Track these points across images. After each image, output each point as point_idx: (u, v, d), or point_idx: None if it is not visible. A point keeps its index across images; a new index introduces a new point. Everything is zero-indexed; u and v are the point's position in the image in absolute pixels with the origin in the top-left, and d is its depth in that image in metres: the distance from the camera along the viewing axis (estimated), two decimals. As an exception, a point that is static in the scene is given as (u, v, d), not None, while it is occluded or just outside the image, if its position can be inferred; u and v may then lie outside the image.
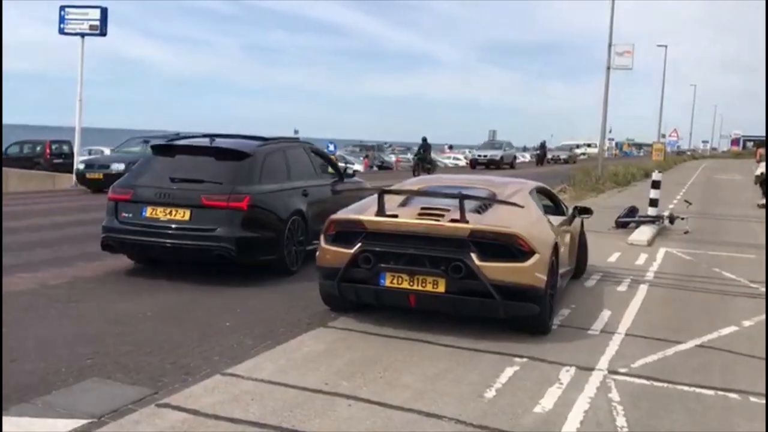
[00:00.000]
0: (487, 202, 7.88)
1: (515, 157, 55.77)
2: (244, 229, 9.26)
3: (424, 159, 40.89)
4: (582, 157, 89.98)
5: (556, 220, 8.85)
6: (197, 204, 9.21)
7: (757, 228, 18.42)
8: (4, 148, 33.36)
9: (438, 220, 7.27)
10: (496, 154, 53.10)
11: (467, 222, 7.17)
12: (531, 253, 7.10)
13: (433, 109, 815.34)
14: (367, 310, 8.02)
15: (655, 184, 17.98)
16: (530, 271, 7.07)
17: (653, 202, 17.51)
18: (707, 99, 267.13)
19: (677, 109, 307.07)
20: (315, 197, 10.75)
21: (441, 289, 7.07)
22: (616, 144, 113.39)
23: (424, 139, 41.91)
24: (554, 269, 7.77)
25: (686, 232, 16.20)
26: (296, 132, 51.01)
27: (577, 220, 10.48)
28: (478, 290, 7.00)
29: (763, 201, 27.10)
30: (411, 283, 7.14)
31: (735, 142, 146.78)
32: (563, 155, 76.66)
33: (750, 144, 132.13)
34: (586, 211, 10.79)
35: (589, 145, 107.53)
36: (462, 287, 7.01)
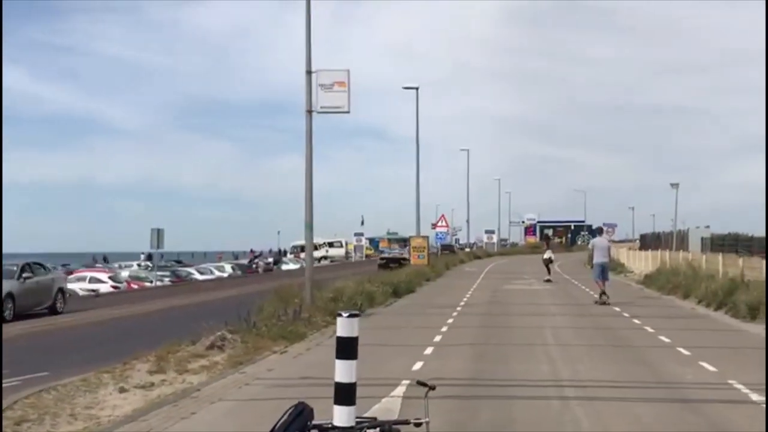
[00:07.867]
0: None
1: None
2: None
3: None
4: (315, 264, 60.74)
5: None
6: None
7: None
8: None
9: None
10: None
11: None
12: None
13: (108, 200, 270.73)
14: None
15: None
16: None
17: None
18: (491, 174, 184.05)
19: (453, 190, 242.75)
20: None
21: None
22: (371, 241, 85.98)
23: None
24: None
25: None
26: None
27: None
28: None
29: (597, 296, 24.39)
30: None
31: (530, 230, 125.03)
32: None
33: (550, 232, 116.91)
34: None
35: (331, 245, 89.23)
36: None
